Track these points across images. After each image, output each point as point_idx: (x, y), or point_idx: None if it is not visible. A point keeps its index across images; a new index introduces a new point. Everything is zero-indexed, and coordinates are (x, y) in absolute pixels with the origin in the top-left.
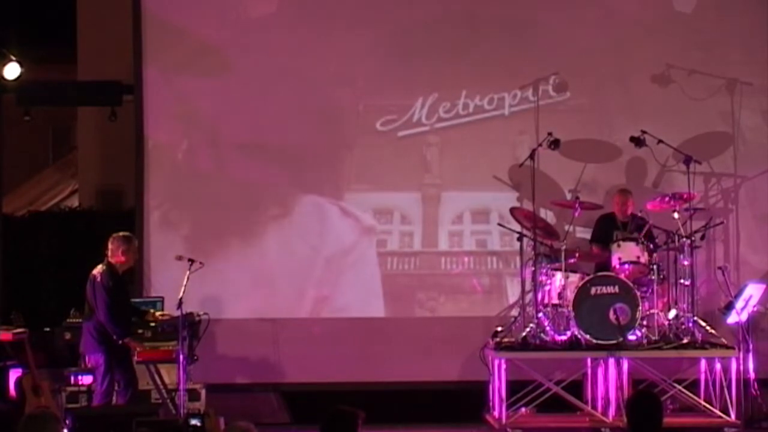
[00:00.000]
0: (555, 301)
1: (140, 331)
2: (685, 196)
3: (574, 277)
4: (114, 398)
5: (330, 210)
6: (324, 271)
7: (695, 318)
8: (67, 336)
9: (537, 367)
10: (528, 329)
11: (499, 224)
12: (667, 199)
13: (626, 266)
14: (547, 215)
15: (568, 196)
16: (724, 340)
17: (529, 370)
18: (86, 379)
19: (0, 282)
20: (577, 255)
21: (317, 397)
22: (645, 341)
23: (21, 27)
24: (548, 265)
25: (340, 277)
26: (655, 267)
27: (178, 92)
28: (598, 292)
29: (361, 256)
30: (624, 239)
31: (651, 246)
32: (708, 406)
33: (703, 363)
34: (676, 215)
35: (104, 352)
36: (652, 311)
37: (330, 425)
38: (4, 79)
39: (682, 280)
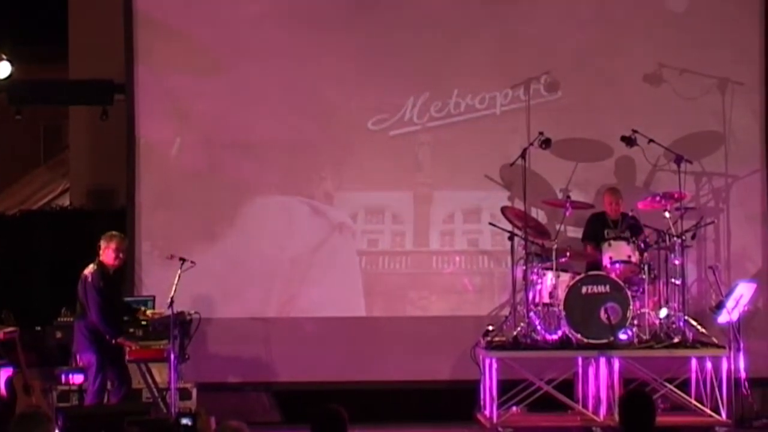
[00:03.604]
0: (546, 300)
1: (131, 330)
2: (676, 195)
3: (565, 276)
4: (107, 397)
5: (319, 209)
6: (315, 270)
7: (686, 317)
8: (58, 335)
9: (528, 367)
10: (519, 328)
11: (491, 223)
12: (658, 198)
13: (617, 265)
14: (538, 214)
15: (560, 195)
16: (714, 340)
17: (520, 369)
18: (77, 378)
19: None
20: (568, 254)
21: (309, 397)
22: (636, 340)
23: (12, 26)
24: (539, 264)
25: (331, 277)
26: (646, 266)
27: (170, 91)
28: (589, 291)
29: (352, 255)
30: (615, 238)
31: (642, 245)
32: (699, 405)
33: (693, 362)
34: (667, 214)
35: (96, 352)
36: (643, 310)
37: (319, 424)
38: None
39: (673, 280)
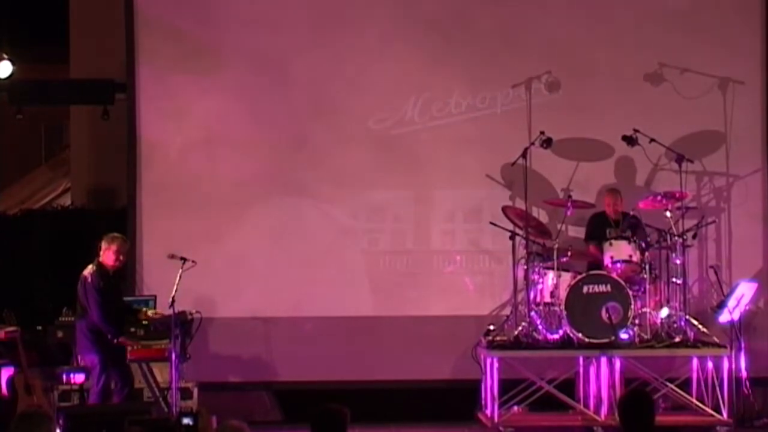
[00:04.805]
0: (547, 299)
1: (132, 329)
2: (677, 194)
3: (567, 276)
4: (110, 397)
5: (320, 208)
6: (316, 270)
7: (687, 317)
8: (60, 334)
9: (529, 366)
10: (520, 328)
11: (492, 223)
12: (659, 197)
13: (618, 265)
14: (540, 214)
15: (561, 195)
16: (716, 339)
17: (521, 368)
18: (78, 378)
19: None
20: (569, 253)
21: (310, 396)
22: (637, 340)
23: (13, 26)
24: (540, 264)
25: (332, 276)
26: (647, 266)
27: (171, 91)
28: (591, 290)
29: (352, 254)
30: (616, 238)
31: (643, 245)
32: (700, 404)
33: (695, 362)
34: (668, 214)
35: (98, 352)
36: (644, 310)
37: (319, 424)
38: None
39: (674, 279)
